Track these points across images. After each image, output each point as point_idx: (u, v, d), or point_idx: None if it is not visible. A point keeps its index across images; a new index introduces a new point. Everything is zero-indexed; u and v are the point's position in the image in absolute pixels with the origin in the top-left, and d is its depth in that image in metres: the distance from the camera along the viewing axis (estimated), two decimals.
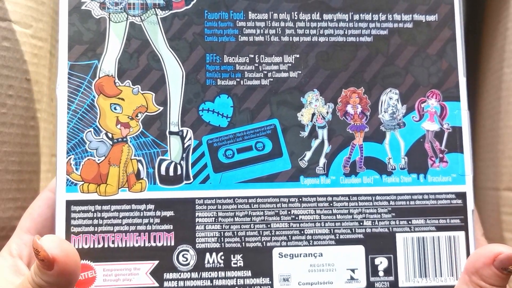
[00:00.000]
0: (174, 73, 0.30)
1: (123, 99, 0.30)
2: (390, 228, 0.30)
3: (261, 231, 0.30)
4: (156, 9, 0.31)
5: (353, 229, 0.30)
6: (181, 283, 0.29)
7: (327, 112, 0.31)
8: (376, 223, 0.30)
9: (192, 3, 0.31)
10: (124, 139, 0.30)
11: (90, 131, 0.29)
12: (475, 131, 0.47)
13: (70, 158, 0.29)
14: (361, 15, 0.32)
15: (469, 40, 0.52)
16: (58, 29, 0.30)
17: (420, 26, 0.32)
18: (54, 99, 0.38)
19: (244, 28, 0.31)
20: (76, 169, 0.29)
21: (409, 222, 0.31)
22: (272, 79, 0.31)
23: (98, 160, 0.29)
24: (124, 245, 0.29)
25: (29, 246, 0.29)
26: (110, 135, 0.30)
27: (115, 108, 0.30)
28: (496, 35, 0.42)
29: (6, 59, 0.34)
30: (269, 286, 0.29)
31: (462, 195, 0.31)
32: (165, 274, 0.29)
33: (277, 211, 0.30)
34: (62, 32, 0.30)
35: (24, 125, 0.35)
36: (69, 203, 0.29)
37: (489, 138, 0.42)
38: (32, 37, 0.36)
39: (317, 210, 0.30)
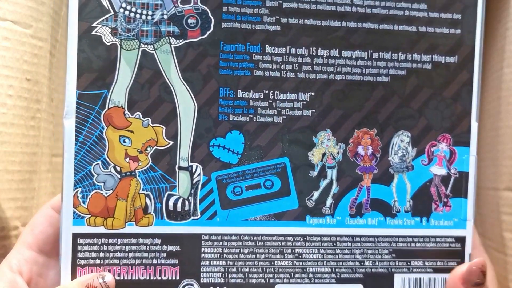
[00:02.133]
0: (186, 106, 0.31)
1: (132, 132, 0.31)
2: (390, 268, 0.33)
3: (264, 268, 0.32)
4: (170, 37, 0.30)
5: (353, 269, 0.33)
6: None
7: (338, 153, 0.32)
8: (377, 263, 0.33)
9: (208, 32, 0.31)
10: (133, 173, 0.31)
11: (98, 163, 0.30)
12: None
13: (77, 191, 0.30)
14: (380, 53, 0.32)
15: None
16: (67, 53, 0.30)
17: (439, 68, 0.33)
18: (54, 99, 0.39)
19: (260, 62, 0.31)
20: (83, 202, 0.30)
21: (408, 263, 0.33)
22: (285, 117, 0.32)
23: (106, 193, 0.30)
24: (129, 278, 0.31)
25: (30, 262, 0.30)
26: (118, 169, 0.30)
27: (124, 141, 0.30)
28: (496, 35, 0.42)
29: (6, 59, 0.33)
30: None
31: (461, 239, 0.33)
32: None
33: (281, 249, 0.32)
34: (70, 58, 0.30)
35: (24, 125, 0.35)
36: (75, 236, 0.30)
37: (489, 138, 0.43)
38: (32, 37, 0.35)
39: (320, 250, 0.32)
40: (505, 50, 0.39)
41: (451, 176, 0.33)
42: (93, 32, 0.30)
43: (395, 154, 0.33)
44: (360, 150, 0.32)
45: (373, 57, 0.32)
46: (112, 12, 0.30)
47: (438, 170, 0.33)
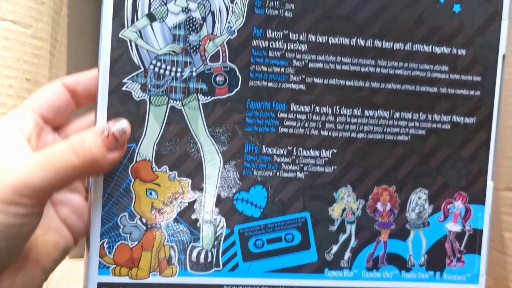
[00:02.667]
0: (212, 160, 0.32)
1: (159, 185, 0.32)
2: None
3: None
4: (198, 94, 0.31)
5: None
6: None
7: (357, 208, 0.33)
8: None
9: (236, 90, 0.32)
10: (158, 225, 0.32)
11: (125, 215, 0.31)
12: None
13: (103, 242, 0.31)
14: (401, 113, 0.33)
15: None
16: (96, 107, 0.31)
17: (457, 128, 0.34)
18: None
19: (285, 120, 0.32)
20: (109, 252, 0.31)
21: None
22: (307, 173, 0.33)
23: (131, 244, 0.31)
24: None
25: (31, 122, 0.29)
26: (144, 220, 0.31)
27: (150, 194, 0.32)
28: None
29: (6, 59, 0.34)
30: None
31: None
32: None
33: None
34: (101, 112, 0.30)
35: None
36: (101, 285, 0.31)
37: None
38: (32, 37, 0.36)
39: None
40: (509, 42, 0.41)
41: (466, 233, 0.34)
42: (123, 88, 0.31)
43: (412, 211, 0.34)
44: (379, 206, 0.34)
45: (395, 116, 0.33)
46: (142, 69, 0.31)
47: (453, 226, 0.34)
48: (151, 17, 0.31)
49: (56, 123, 0.31)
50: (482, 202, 0.34)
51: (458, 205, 0.34)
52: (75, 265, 0.47)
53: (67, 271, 0.47)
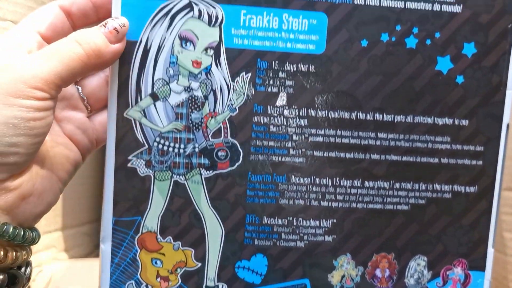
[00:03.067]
0: (214, 231, 0.33)
1: (164, 254, 0.33)
2: None
3: None
4: (200, 168, 0.33)
5: None
6: None
7: (356, 275, 0.35)
8: None
9: (237, 164, 0.33)
10: None
11: (132, 283, 0.33)
12: None
13: None
14: (402, 183, 0.34)
15: None
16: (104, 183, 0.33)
17: (458, 197, 0.34)
18: None
19: (285, 192, 0.33)
20: None
21: None
22: (307, 242, 0.34)
23: None
24: None
25: (34, 40, 0.30)
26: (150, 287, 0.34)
27: (156, 262, 0.33)
28: None
29: None
30: None
31: None
32: None
33: None
34: (107, 188, 0.32)
35: None
36: None
37: None
38: None
39: None
40: None
41: None
42: (129, 165, 0.32)
43: (411, 277, 0.35)
44: (378, 272, 0.35)
45: (395, 187, 0.34)
46: (147, 146, 0.32)
47: None
48: (155, 97, 0.32)
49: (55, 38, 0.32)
50: (482, 268, 0.35)
51: (458, 271, 0.35)
52: (75, 265, 0.49)
53: (67, 271, 0.48)
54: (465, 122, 0.34)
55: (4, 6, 0.34)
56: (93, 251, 0.55)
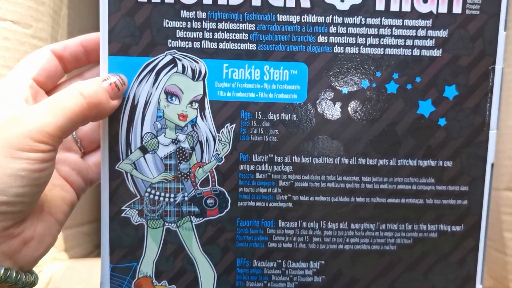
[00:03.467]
0: (207, 275, 0.35)
1: None
2: None
3: None
4: (191, 216, 0.35)
5: None
6: None
7: None
8: None
9: (226, 211, 0.35)
10: None
11: None
12: None
13: None
14: (387, 225, 0.35)
15: None
16: (101, 233, 0.35)
17: (444, 236, 0.35)
18: None
19: (273, 235, 0.35)
20: None
21: None
22: (297, 283, 0.35)
23: None
24: None
25: (29, 87, 0.32)
26: None
27: None
28: None
29: (6, 59, 0.36)
30: None
31: None
32: None
33: None
34: (104, 236, 0.34)
35: None
36: None
37: None
38: (32, 37, 0.37)
39: None
40: (505, 50, 0.41)
41: None
42: (123, 214, 0.34)
43: None
44: None
45: (381, 228, 0.35)
46: (139, 196, 0.34)
47: None
48: (144, 150, 0.34)
49: (48, 87, 0.34)
50: None
51: None
52: (75, 265, 0.49)
53: (67, 271, 0.49)
54: (449, 164, 0.34)
55: (4, 6, 0.35)
56: (93, 251, 0.56)
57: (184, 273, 0.35)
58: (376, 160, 0.34)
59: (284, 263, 0.35)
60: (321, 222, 0.35)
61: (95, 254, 0.56)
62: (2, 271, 0.28)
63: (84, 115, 0.30)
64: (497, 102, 0.34)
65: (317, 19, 0.33)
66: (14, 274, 0.29)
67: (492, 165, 0.34)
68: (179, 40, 0.33)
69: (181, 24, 0.33)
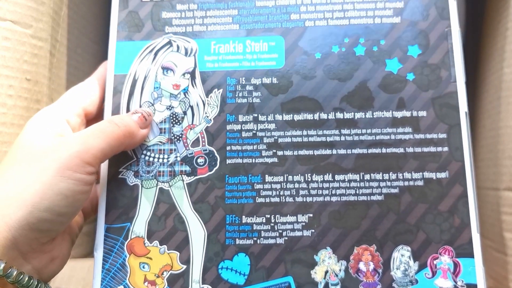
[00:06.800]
0: (197, 233, 0.42)
1: (151, 258, 0.42)
2: None
3: None
4: (182, 175, 0.43)
5: None
6: None
7: (340, 270, 0.41)
8: None
9: (215, 169, 0.43)
10: None
11: None
12: (475, 131, 0.53)
13: None
14: (372, 174, 0.42)
15: (469, 41, 0.59)
16: (98, 193, 0.44)
17: (431, 184, 0.42)
18: (54, 99, 0.45)
19: (261, 190, 0.43)
20: None
21: None
22: (286, 238, 0.42)
23: None
24: None
25: (77, 116, 0.40)
26: None
27: (143, 267, 0.42)
28: (496, 35, 0.48)
29: (6, 59, 0.39)
30: None
31: None
32: None
33: None
34: (101, 198, 0.43)
35: (24, 125, 0.39)
36: None
37: (489, 138, 0.48)
38: (32, 37, 0.42)
39: None
40: (505, 50, 0.45)
41: None
42: (119, 176, 0.44)
43: (397, 269, 0.41)
44: (362, 266, 0.41)
45: (365, 178, 0.42)
46: (135, 158, 0.44)
47: (444, 283, 0.40)
48: None
49: (92, 116, 0.42)
50: (470, 255, 0.40)
51: (445, 259, 0.41)
52: (75, 265, 0.52)
53: (67, 271, 0.52)
54: (423, 113, 0.43)
55: (4, 6, 0.39)
56: (93, 251, 0.59)
57: (175, 232, 0.42)
58: (353, 113, 0.43)
59: (272, 217, 0.42)
60: (306, 175, 0.43)
61: None
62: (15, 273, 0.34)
63: (120, 142, 0.39)
64: (459, 58, 0.44)
65: (289, 2, 0.46)
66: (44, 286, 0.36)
67: (466, 113, 0.43)
68: (174, 27, 0.46)
69: (177, 15, 0.47)
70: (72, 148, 0.35)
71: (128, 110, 0.43)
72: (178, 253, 0.40)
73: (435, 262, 0.39)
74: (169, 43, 0.44)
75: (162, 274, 0.40)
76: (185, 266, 0.40)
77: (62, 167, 0.34)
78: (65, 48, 0.40)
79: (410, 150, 0.41)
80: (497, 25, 0.49)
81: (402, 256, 0.39)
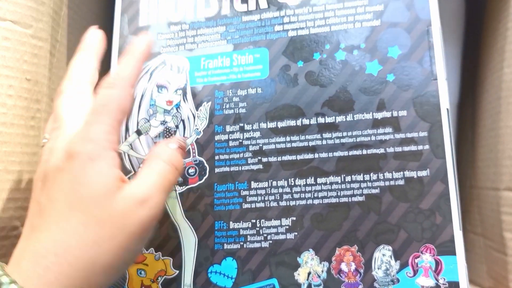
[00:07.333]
0: (189, 240, 0.46)
1: (147, 265, 0.46)
2: None
3: None
4: (175, 185, 0.48)
5: None
6: None
7: (322, 271, 0.43)
8: None
9: (204, 178, 0.47)
10: None
11: None
12: (475, 131, 0.52)
13: None
14: (352, 176, 0.44)
15: (469, 40, 0.58)
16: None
17: (411, 183, 0.43)
18: (54, 99, 0.44)
19: (247, 197, 0.46)
20: None
21: None
22: (271, 241, 0.44)
23: None
24: None
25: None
26: None
27: (140, 273, 0.46)
28: (496, 35, 0.48)
29: (6, 59, 0.39)
30: None
31: None
32: None
33: None
34: None
35: (24, 125, 0.41)
36: None
37: (489, 138, 0.47)
38: (32, 37, 0.42)
39: None
40: (505, 50, 0.45)
41: (440, 287, 0.41)
42: None
43: (378, 268, 0.42)
44: (343, 266, 0.43)
45: (347, 180, 0.44)
46: (133, 172, 0.48)
47: (425, 281, 0.41)
48: (139, 133, 0.49)
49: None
50: (452, 253, 0.41)
51: (427, 258, 0.41)
52: None
53: None
54: (403, 113, 0.44)
55: (4, 6, 0.39)
56: None
57: (169, 239, 0.46)
58: (334, 117, 0.45)
59: (258, 222, 0.45)
60: (290, 179, 0.45)
61: None
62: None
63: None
64: (440, 56, 0.45)
65: (273, 14, 0.49)
66: None
67: (447, 110, 0.44)
68: (168, 47, 0.51)
69: (170, 36, 0.51)
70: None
71: (127, 127, 0.47)
72: (172, 259, 0.44)
73: (416, 260, 0.40)
74: (163, 62, 0.48)
75: (157, 279, 0.44)
76: (177, 271, 0.43)
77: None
78: (65, 48, 0.42)
79: (391, 150, 0.42)
80: (497, 25, 0.49)
81: (383, 255, 0.40)
